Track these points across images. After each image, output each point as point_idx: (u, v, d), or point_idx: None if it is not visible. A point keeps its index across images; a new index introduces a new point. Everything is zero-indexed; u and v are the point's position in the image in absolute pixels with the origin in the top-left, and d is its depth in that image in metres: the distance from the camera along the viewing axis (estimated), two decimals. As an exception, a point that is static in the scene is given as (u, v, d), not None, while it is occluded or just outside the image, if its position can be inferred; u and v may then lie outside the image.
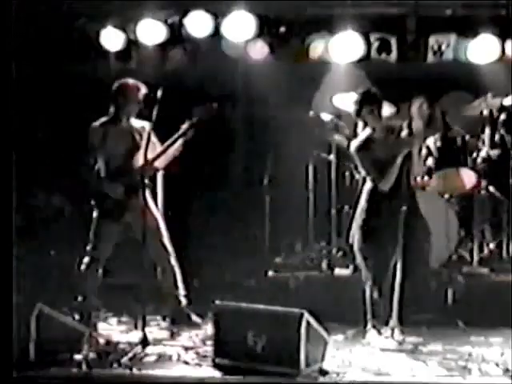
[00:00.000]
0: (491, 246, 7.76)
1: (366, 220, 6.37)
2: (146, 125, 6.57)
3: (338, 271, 7.37)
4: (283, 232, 8.21)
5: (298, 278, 7.31)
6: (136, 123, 6.79)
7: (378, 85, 6.91)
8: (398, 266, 6.20)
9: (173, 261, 6.76)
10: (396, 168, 6.27)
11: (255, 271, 7.63)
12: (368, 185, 6.39)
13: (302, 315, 5.37)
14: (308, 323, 5.39)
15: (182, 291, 6.80)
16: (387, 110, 6.83)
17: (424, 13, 8.17)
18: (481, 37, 8.13)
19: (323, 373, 5.47)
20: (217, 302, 5.75)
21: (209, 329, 6.21)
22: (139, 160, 6.50)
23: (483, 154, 7.68)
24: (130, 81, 6.75)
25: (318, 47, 8.28)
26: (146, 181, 6.44)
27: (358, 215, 6.44)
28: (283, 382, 5.32)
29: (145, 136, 6.49)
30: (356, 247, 6.41)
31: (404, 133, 6.35)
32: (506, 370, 5.58)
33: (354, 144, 6.39)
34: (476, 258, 7.55)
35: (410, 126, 6.34)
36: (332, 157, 7.94)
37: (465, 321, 6.85)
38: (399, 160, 6.27)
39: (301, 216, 8.14)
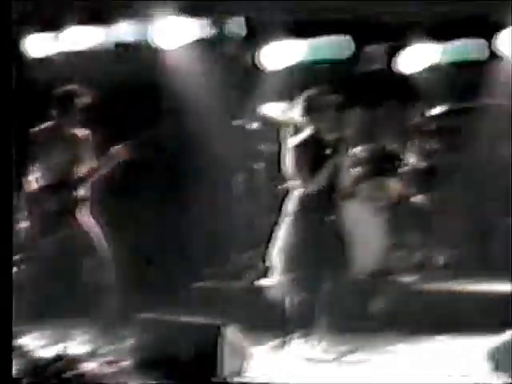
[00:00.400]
0: (419, 254, 7.85)
1: (291, 229, 6.39)
2: (87, 133, 6.51)
3: (263, 281, 7.35)
4: (210, 242, 8.14)
5: (224, 288, 7.27)
6: (79, 132, 6.66)
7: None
8: (325, 276, 6.22)
9: (106, 275, 6.63)
10: (326, 172, 6.30)
11: (182, 282, 7.59)
12: (295, 192, 6.41)
13: (219, 327, 5.37)
14: (228, 335, 5.40)
15: (109, 304, 6.72)
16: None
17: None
18: (412, 45, 8.26)
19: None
20: (141, 314, 5.72)
21: (132, 341, 6.13)
22: (79, 171, 6.44)
23: (412, 163, 7.75)
24: (72, 87, 6.61)
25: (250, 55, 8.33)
26: (84, 193, 6.36)
27: (283, 224, 6.45)
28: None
29: (86, 145, 6.41)
30: (281, 257, 6.41)
31: (334, 138, 6.40)
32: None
33: (293, 141, 6.39)
34: (404, 266, 7.61)
35: (341, 133, 6.41)
36: (260, 165, 7.96)
37: (393, 329, 6.89)
38: (330, 165, 6.32)
39: (228, 226, 8.10)
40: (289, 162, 6.40)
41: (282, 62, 8.19)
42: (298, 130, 6.64)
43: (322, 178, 6.29)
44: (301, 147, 6.35)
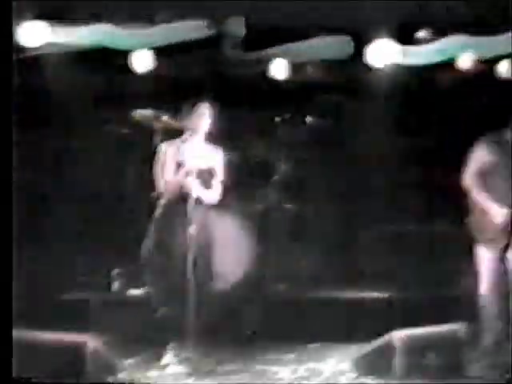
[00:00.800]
0: (288, 263, 7.85)
1: (157, 239, 6.29)
2: None
3: (132, 292, 7.21)
4: (78, 253, 7.91)
5: (93, 300, 7.09)
6: None
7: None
8: (191, 288, 6.10)
9: None
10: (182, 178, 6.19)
11: (49, 294, 7.35)
12: (161, 201, 6.30)
13: (86, 342, 5.22)
14: (94, 349, 5.25)
15: None
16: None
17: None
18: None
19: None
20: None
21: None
22: None
23: (281, 171, 7.77)
24: None
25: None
26: None
27: (151, 234, 6.34)
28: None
29: None
30: (150, 267, 6.29)
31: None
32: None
33: (165, 147, 6.30)
34: (273, 275, 7.61)
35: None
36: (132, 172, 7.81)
37: (263, 339, 6.92)
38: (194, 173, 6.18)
39: (97, 235, 7.91)
40: (156, 168, 6.31)
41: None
42: (169, 135, 6.61)
43: (185, 187, 6.22)
44: (167, 155, 6.27)
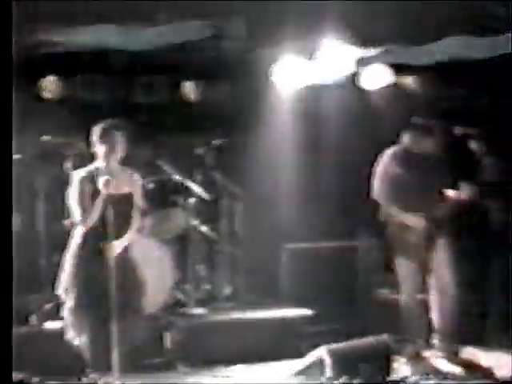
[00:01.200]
0: (207, 286, 7.79)
1: (76, 268, 6.10)
2: None
3: (49, 324, 6.97)
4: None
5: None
6: None
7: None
8: (115, 313, 5.87)
9: None
10: (99, 205, 6.04)
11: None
12: (78, 228, 6.12)
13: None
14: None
15: None
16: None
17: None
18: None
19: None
20: None
21: None
22: None
23: (195, 193, 7.67)
24: None
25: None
26: None
27: (67, 263, 6.14)
28: None
29: None
30: (69, 297, 6.09)
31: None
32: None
33: (79, 174, 6.11)
34: (192, 299, 7.51)
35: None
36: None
37: (185, 363, 6.80)
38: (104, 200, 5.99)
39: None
40: (71, 197, 6.13)
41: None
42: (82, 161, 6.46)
43: (93, 216, 6.04)
44: (81, 182, 6.10)
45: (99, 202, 5.96)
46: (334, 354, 5.60)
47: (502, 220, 7.29)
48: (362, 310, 8.01)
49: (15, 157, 7.41)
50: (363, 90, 8.46)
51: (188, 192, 7.58)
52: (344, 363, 5.63)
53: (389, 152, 6.98)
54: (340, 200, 8.61)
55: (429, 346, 6.89)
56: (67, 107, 7.75)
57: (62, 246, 6.33)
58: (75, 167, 6.54)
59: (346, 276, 8.30)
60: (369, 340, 5.98)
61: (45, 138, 7.40)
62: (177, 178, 7.57)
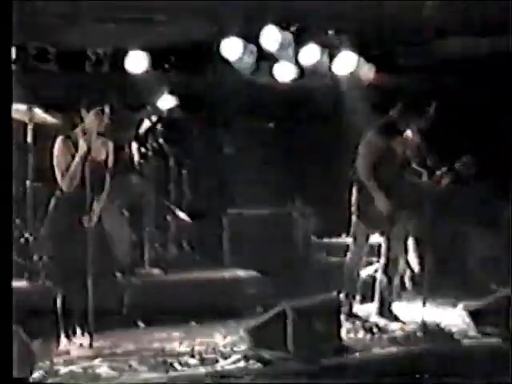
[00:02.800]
0: (158, 247, 8.32)
1: (53, 229, 6.50)
2: None
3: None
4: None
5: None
6: None
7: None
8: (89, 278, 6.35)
9: None
10: (76, 173, 6.43)
11: None
12: (56, 193, 6.52)
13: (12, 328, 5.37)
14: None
15: None
16: None
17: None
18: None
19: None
20: None
21: None
22: None
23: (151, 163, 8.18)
24: None
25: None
26: None
27: (46, 226, 6.54)
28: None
29: None
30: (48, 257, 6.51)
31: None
32: (202, 360, 6.16)
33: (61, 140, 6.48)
34: (148, 259, 8.01)
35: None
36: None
37: (145, 320, 7.30)
38: (79, 166, 6.43)
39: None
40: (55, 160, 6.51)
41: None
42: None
43: (73, 180, 6.46)
44: (58, 148, 6.48)
45: (79, 166, 6.39)
46: (294, 309, 6.20)
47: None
48: (299, 271, 8.70)
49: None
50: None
51: (145, 161, 8.07)
52: (302, 317, 6.25)
53: (375, 125, 7.56)
54: (279, 171, 9.26)
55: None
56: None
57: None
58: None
59: (282, 240, 8.99)
60: (321, 297, 6.62)
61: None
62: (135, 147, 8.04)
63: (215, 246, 8.71)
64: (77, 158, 6.38)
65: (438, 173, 7.27)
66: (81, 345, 6.40)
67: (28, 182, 7.74)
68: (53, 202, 6.49)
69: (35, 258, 7.38)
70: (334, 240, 8.76)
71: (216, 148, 9.10)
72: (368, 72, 8.97)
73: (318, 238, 8.92)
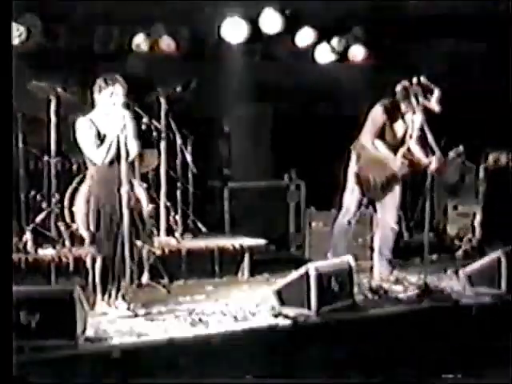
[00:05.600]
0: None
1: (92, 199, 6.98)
2: None
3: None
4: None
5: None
6: None
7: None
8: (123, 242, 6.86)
9: None
10: (110, 147, 6.88)
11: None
12: (90, 166, 6.98)
13: (72, 291, 5.89)
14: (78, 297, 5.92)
15: None
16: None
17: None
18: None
19: (91, 340, 6.01)
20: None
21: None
22: None
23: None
24: None
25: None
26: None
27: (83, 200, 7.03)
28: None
29: None
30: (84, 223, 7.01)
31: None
32: (235, 317, 6.71)
33: (85, 120, 6.91)
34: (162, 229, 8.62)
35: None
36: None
37: (165, 285, 7.82)
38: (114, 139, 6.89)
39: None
40: (82, 139, 6.94)
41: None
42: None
43: (108, 153, 6.92)
44: (88, 126, 6.92)
45: (113, 141, 6.85)
46: (316, 270, 6.79)
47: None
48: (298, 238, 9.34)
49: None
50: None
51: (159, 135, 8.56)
52: (322, 278, 6.85)
53: (380, 103, 8.17)
54: (274, 145, 9.84)
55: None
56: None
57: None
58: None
59: (277, 210, 9.60)
60: (337, 261, 7.25)
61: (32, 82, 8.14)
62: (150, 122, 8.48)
63: (217, 216, 9.27)
64: (112, 133, 6.85)
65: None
66: (116, 307, 6.91)
67: (51, 158, 8.18)
68: (88, 173, 6.98)
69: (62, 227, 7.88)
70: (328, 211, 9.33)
71: (217, 126, 9.67)
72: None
73: (313, 209, 9.52)
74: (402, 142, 8.13)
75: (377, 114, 8.03)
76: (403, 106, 8.00)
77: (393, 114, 8.02)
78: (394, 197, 8.25)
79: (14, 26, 8.37)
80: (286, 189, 9.69)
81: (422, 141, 7.92)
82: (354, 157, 8.21)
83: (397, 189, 8.23)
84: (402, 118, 8.07)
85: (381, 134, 8.03)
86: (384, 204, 8.28)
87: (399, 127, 8.10)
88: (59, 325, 5.78)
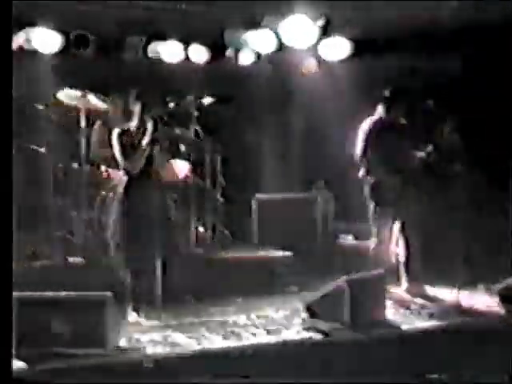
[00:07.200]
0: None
1: (121, 209, 6.92)
2: None
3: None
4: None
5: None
6: None
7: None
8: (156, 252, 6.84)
9: None
10: (142, 158, 6.90)
11: None
12: (122, 177, 6.95)
13: (107, 298, 5.83)
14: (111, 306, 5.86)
15: None
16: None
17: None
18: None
19: (123, 350, 5.96)
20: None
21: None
22: None
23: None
24: None
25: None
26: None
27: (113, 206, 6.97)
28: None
29: None
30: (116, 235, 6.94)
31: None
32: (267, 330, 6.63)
33: (116, 132, 6.90)
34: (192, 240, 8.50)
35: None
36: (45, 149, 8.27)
37: (196, 296, 7.66)
38: (144, 147, 6.92)
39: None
40: (114, 148, 6.92)
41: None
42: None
43: (140, 163, 6.90)
44: (126, 135, 6.91)
45: (144, 150, 6.85)
46: (350, 283, 6.72)
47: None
48: (325, 253, 9.22)
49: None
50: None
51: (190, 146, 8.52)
52: (355, 292, 6.77)
53: (367, 121, 8.10)
54: (302, 158, 9.77)
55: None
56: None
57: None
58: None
59: (307, 223, 9.50)
60: (369, 274, 7.16)
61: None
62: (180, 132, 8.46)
63: (245, 227, 9.20)
64: (144, 142, 6.86)
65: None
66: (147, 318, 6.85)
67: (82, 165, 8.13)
68: (121, 183, 6.94)
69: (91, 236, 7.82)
70: (357, 224, 9.23)
71: (245, 136, 9.63)
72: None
73: (341, 222, 9.43)
74: None
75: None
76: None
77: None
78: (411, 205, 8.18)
79: (50, 34, 8.39)
80: (314, 201, 9.61)
81: None
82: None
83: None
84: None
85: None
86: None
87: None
88: (91, 333, 5.76)
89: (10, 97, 5.58)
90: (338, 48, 9.47)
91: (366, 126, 8.03)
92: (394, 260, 8.20)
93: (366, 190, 8.03)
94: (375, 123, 7.98)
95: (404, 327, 6.92)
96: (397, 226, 8.07)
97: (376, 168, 7.90)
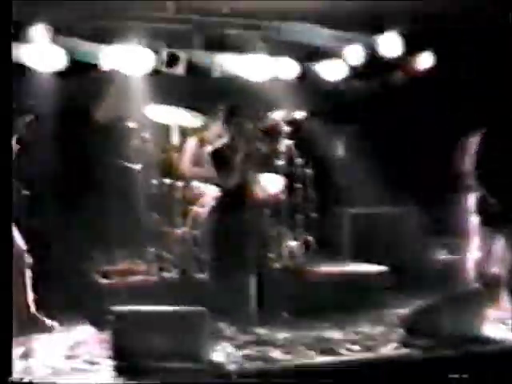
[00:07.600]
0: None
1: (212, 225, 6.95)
2: None
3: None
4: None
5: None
6: None
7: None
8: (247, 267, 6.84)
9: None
10: (238, 170, 6.93)
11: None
12: (212, 192, 6.98)
13: (204, 313, 5.83)
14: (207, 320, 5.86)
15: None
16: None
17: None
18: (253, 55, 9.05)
19: (219, 365, 5.92)
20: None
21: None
22: None
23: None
24: None
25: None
26: None
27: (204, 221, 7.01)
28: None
29: None
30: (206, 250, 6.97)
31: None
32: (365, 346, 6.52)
33: (209, 148, 6.96)
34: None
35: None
36: (138, 166, 8.36)
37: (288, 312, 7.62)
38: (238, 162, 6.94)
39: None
40: (208, 163, 6.99)
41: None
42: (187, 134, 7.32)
43: (235, 179, 6.94)
44: (218, 151, 6.97)
45: (237, 166, 6.87)
46: (448, 299, 6.59)
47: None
48: (420, 267, 9.06)
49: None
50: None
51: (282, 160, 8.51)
52: (453, 307, 6.63)
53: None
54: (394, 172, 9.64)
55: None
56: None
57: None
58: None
59: (398, 236, 9.35)
60: (467, 289, 7.01)
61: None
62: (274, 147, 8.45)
63: (338, 241, 9.11)
64: (237, 158, 6.89)
65: None
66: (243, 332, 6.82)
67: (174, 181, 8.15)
68: (214, 199, 6.98)
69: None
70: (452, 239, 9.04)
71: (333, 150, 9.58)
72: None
73: (435, 236, 9.26)
74: None
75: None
76: None
77: None
78: None
79: (142, 51, 8.45)
80: (408, 215, 9.46)
81: None
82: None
83: None
84: None
85: None
86: None
87: None
88: (187, 348, 5.76)
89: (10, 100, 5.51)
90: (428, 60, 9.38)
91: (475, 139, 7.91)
92: (493, 276, 8.09)
93: (470, 204, 7.90)
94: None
95: (503, 343, 6.77)
96: (499, 242, 7.97)
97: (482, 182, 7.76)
